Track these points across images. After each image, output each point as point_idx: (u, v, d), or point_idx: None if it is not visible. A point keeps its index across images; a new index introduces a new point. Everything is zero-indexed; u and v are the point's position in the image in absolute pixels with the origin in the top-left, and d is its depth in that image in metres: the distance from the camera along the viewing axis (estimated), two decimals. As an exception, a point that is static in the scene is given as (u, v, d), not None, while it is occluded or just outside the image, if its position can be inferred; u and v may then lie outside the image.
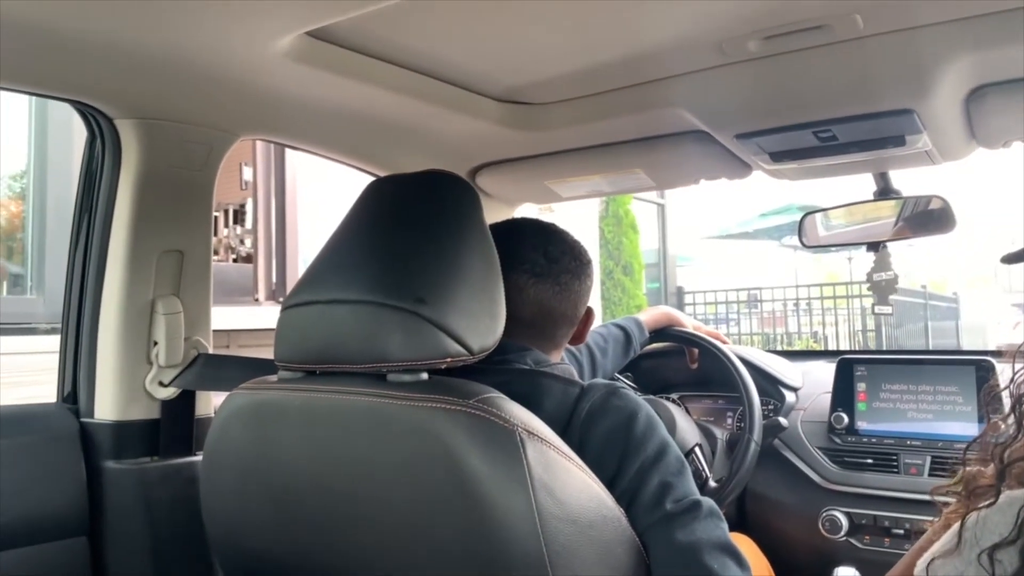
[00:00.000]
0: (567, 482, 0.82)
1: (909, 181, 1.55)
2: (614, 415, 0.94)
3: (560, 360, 1.11)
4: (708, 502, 0.92)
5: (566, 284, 1.08)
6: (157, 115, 1.26)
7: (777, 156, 1.40)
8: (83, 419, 1.33)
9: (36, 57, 1.05)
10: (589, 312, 1.15)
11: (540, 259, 1.07)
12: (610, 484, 0.90)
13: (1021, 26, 1.00)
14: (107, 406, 1.32)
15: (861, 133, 1.28)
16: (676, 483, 0.91)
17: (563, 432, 0.91)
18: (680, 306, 9.77)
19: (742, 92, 1.24)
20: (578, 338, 1.15)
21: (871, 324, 9.14)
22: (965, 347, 9.90)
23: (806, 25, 1.04)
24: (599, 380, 1.00)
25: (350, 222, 0.99)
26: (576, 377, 1.02)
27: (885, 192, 1.55)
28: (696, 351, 1.77)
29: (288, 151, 4.51)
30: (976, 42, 1.05)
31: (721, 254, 15.53)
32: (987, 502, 0.71)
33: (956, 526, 0.71)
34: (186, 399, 1.36)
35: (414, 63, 1.20)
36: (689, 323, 1.77)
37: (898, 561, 0.85)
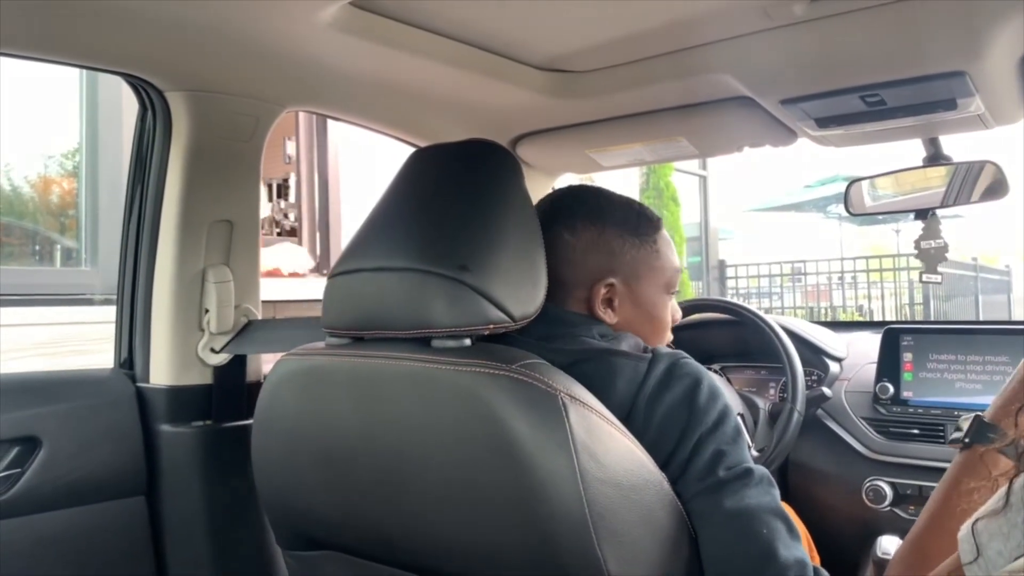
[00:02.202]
0: (609, 446, 0.83)
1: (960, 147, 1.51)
2: (677, 386, 0.92)
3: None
4: (760, 469, 0.91)
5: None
6: (206, 87, 1.29)
7: (823, 122, 1.37)
8: (139, 384, 1.38)
9: (89, 31, 1.08)
10: None
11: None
12: (670, 454, 0.89)
13: (1081, -17, 0.96)
14: (162, 372, 1.37)
15: (910, 97, 1.25)
16: (730, 451, 0.90)
17: (631, 407, 0.91)
18: (722, 280, 9.67)
19: (787, 56, 1.22)
20: None
21: (919, 297, 8.95)
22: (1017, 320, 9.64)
23: (854, -14, 1.01)
24: (663, 349, 0.98)
25: (394, 192, 1.00)
26: (641, 346, 1.00)
27: (935, 158, 1.51)
28: None
29: (330, 125, 4.55)
30: (1032, 0, 1.01)
31: (765, 227, 15.29)
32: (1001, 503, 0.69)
33: (1004, 488, 0.70)
34: (237, 365, 1.40)
35: (455, 32, 1.20)
36: None
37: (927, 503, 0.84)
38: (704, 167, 9.47)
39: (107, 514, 1.30)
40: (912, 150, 1.55)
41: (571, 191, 1.10)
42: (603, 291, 1.02)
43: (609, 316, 1.03)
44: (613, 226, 1.04)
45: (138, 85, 1.30)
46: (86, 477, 1.28)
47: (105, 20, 1.04)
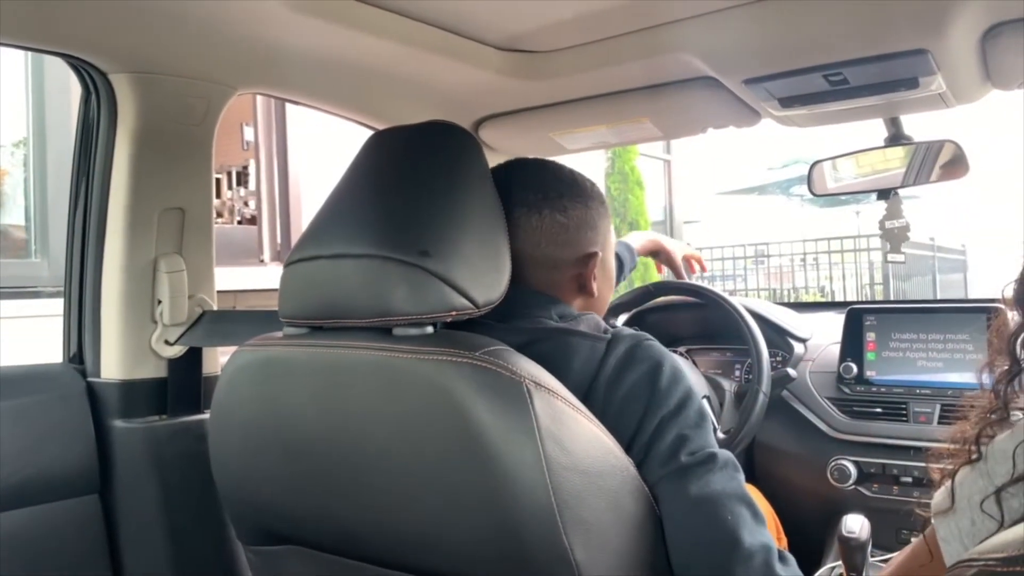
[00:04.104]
0: (575, 432, 0.81)
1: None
2: (638, 368, 0.92)
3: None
4: (725, 454, 0.90)
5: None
6: (153, 69, 1.24)
7: (786, 102, 1.37)
8: (90, 379, 1.34)
9: (23, 9, 1.03)
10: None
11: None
12: (631, 438, 0.88)
13: (1041, -40, 0.96)
14: (113, 366, 1.33)
15: (873, 75, 1.25)
16: (693, 436, 0.89)
17: (589, 388, 0.90)
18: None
19: (750, 35, 1.21)
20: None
21: (879, 277, 9.12)
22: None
23: (817, -38, 1.00)
24: (624, 330, 0.97)
25: (352, 176, 0.97)
26: (601, 327, 0.99)
27: (896, 138, 1.52)
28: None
29: (288, 109, 4.46)
30: (994, -23, 1.01)
31: (729, 210, 15.42)
32: (975, 456, 0.70)
33: (948, 485, 0.70)
34: (193, 357, 1.37)
35: (414, 11, 1.17)
36: (678, 250, 1.88)
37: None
38: (668, 151, 9.51)
39: (60, 514, 1.26)
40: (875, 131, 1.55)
41: (540, 167, 1.07)
42: (592, 264, 1.04)
43: (593, 288, 1.05)
44: (591, 200, 1.06)
45: (80, 67, 1.24)
46: (36, 476, 1.23)
47: (42, -2, 0.99)
